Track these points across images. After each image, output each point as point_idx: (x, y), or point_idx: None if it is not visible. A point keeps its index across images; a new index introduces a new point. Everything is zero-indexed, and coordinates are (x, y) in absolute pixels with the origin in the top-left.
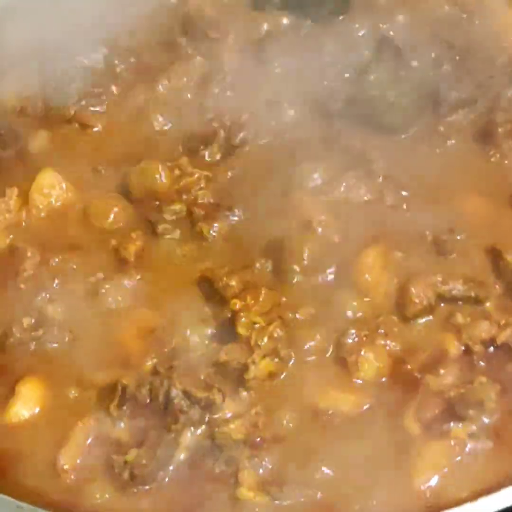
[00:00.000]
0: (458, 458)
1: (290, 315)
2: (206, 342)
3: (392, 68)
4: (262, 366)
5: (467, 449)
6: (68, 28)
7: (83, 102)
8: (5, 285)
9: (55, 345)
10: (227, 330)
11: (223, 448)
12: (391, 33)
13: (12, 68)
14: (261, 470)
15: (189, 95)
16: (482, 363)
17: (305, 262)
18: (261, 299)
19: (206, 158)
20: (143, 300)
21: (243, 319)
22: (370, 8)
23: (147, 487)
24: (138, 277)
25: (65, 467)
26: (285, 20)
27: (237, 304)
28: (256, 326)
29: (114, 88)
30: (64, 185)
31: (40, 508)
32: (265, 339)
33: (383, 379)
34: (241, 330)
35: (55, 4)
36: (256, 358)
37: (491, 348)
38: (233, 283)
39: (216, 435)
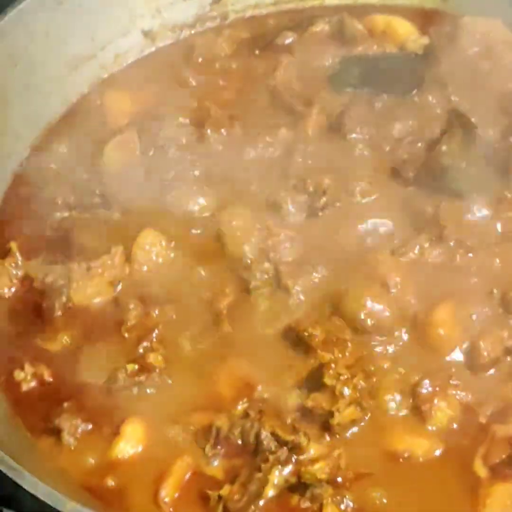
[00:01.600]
0: None
1: (372, 368)
2: (293, 389)
3: (463, 139)
4: (346, 413)
5: None
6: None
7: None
8: (111, 335)
9: (156, 389)
10: (313, 379)
11: (308, 486)
12: (462, 107)
13: (114, 136)
14: (343, 506)
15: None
16: None
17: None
18: (347, 353)
19: (290, 219)
20: (235, 349)
21: (331, 371)
22: (443, 84)
23: None
24: (230, 328)
25: (166, 500)
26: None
27: (326, 357)
28: (342, 377)
29: None
30: (164, 243)
31: None
32: (350, 390)
33: (454, 426)
34: (328, 381)
35: None
36: (341, 406)
37: None
38: (317, 332)
39: (302, 474)
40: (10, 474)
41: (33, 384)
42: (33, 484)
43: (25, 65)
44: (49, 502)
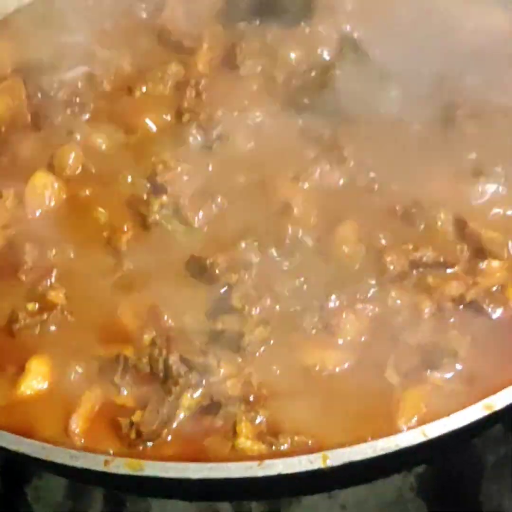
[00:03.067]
0: (435, 401)
1: (278, 288)
2: (200, 315)
3: (355, 63)
4: (256, 333)
5: (443, 393)
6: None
7: (68, 111)
8: (8, 278)
9: (59, 327)
10: (220, 304)
11: (221, 406)
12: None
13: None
14: (256, 422)
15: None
16: (453, 320)
17: (287, 241)
18: (254, 272)
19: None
20: (137, 283)
21: (238, 293)
22: (334, 12)
23: (151, 443)
24: (130, 264)
25: (77, 431)
26: (253, 27)
27: (232, 277)
28: (250, 297)
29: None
30: (56, 185)
31: None
32: (258, 310)
33: (364, 338)
34: (236, 303)
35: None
36: (251, 326)
37: (461, 306)
38: (219, 260)
39: (214, 394)
40: None
41: None
42: None
43: None
44: None
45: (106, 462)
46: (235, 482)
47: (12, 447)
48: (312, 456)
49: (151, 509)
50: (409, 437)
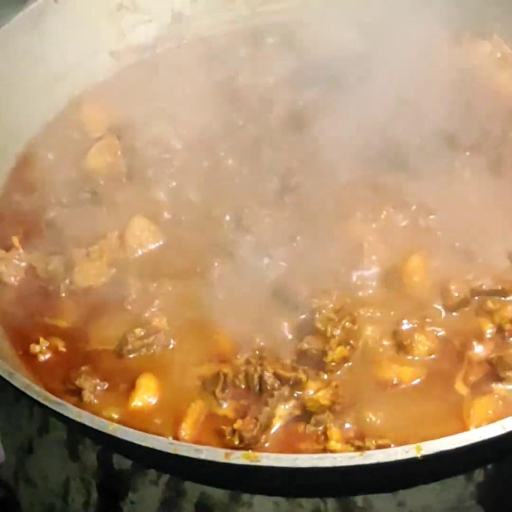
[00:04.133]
0: (501, 408)
1: (356, 313)
2: (287, 336)
3: (413, 120)
4: (337, 351)
5: (508, 401)
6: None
7: (158, 166)
8: (115, 309)
9: (163, 349)
10: (305, 326)
11: (312, 414)
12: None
13: (95, 142)
14: (345, 428)
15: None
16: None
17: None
18: (334, 299)
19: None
20: (229, 311)
21: (320, 316)
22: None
23: (252, 447)
24: (222, 294)
25: (186, 438)
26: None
27: (315, 303)
28: (331, 321)
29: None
30: (152, 228)
31: None
32: (339, 331)
33: (434, 356)
34: (319, 324)
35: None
36: (332, 346)
37: None
38: (302, 289)
39: (307, 402)
40: (52, 406)
41: (48, 355)
42: (77, 413)
43: (6, 85)
44: (94, 426)
45: (226, 455)
46: (339, 471)
47: (142, 443)
48: (407, 447)
49: None
50: (490, 429)
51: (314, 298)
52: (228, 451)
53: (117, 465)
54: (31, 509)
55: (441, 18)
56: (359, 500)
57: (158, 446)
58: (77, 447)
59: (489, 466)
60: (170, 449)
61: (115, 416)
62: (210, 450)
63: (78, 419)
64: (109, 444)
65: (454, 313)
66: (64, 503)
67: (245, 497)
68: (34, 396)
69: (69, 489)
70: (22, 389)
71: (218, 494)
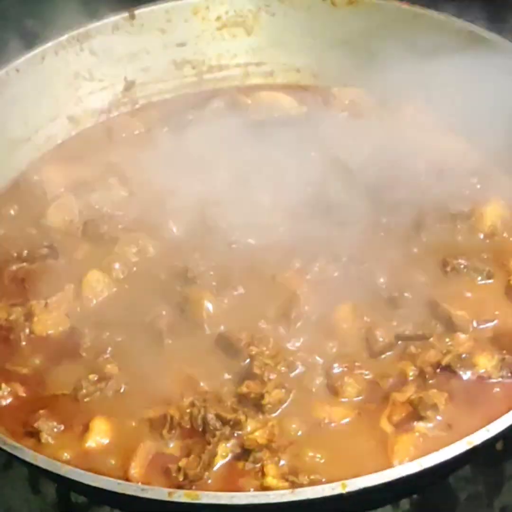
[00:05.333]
0: (422, 444)
1: (290, 358)
2: (229, 381)
3: (344, 181)
4: (274, 394)
5: (427, 438)
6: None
7: (112, 223)
8: (71, 356)
9: (114, 393)
10: (244, 371)
11: (250, 452)
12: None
13: (54, 201)
14: (280, 465)
15: None
16: (431, 381)
17: (296, 321)
18: (270, 346)
19: None
20: (176, 356)
21: (258, 362)
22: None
23: (195, 484)
24: (170, 341)
25: (135, 475)
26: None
27: (253, 350)
28: (267, 366)
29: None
30: (106, 280)
31: None
32: (275, 375)
33: (362, 397)
34: (256, 370)
35: None
36: (269, 389)
37: (438, 370)
38: (242, 336)
39: (245, 442)
40: (13, 452)
41: (9, 399)
42: (33, 456)
43: None
44: (49, 468)
45: (170, 494)
46: (272, 507)
47: (93, 483)
48: (333, 484)
49: None
50: (408, 467)
51: (252, 345)
52: (171, 490)
53: (75, 499)
54: None
55: (368, 85)
56: None
57: (107, 486)
58: (38, 482)
59: (414, 496)
60: (118, 489)
61: (69, 456)
62: (154, 490)
63: (34, 462)
64: (64, 483)
65: (380, 357)
66: None
67: None
68: None
69: None
70: None
71: None
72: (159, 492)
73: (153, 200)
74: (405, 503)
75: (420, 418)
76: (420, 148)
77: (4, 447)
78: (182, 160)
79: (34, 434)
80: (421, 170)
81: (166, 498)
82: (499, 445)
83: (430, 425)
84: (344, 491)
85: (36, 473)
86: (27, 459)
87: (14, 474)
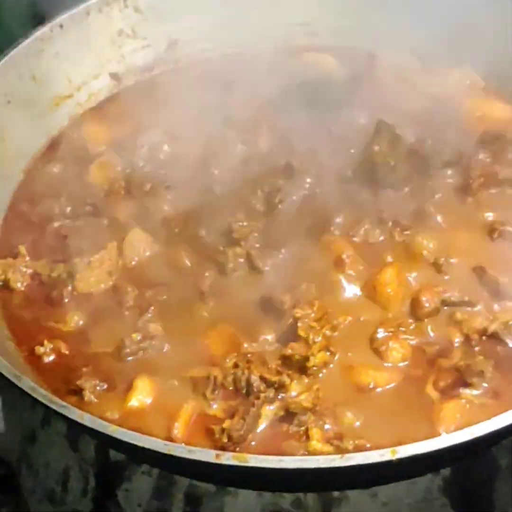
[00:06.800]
0: (468, 412)
1: (335, 321)
2: (273, 343)
3: (389, 142)
4: (318, 357)
5: (474, 406)
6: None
7: (154, 181)
8: (114, 315)
9: (158, 353)
10: (288, 334)
11: (295, 416)
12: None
13: (96, 158)
14: (325, 429)
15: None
16: (478, 348)
17: (343, 283)
18: (315, 308)
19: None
20: (219, 318)
21: (303, 324)
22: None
23: (239, 446)
24: (213, 303)
25: (178, 436)
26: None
27: (298, 312)
28: (312, 329)
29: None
30: (149, 239)
31: None
32: (320, 338)
33: (407, 363)
34: (301, 332)
35: None
36: (314, 352)
37: (484, 337)
38: (287, 298)
39: (290, 405)
40: (60, 410)
41: (52, 357)
42: (79, 415)
43: (15, 104)
44: (95, 427)
45: (217, 456)
46: (321, 472)
47: (139, 443)
48: (382, 451)
49: (224, 506)
50: (459, 435)
51: (297, 308)
52: (219, 452)
53: (113, 457)
54: (32, 494)
55: (414, 47)
56: (336, 491)
57: (154, 447)
58: (77, 439)
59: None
60: (165, 450)
61: (111, 414)
62: (202, 451)
63: (80, 421)
64: (108, 442)
65: (425, 322)
66: (64, 490)
67: (231, 488)
68: (40, 399)
69: (68, 477)
70: (29, 391)
71: (206, 484)
72: (206, 454)
73: (197, 159)
74: (445, 470)
75: (467, 385)
76: (466, 111)
77: (51, 405)
78: (225, 120)
79: (77, 392)
80: (468, 134)
81: (213, 460)
82: None
83: (476, 392)
84: (393, 458)
85: (76, 431)
86: (74, 417)
87: (52, 431)
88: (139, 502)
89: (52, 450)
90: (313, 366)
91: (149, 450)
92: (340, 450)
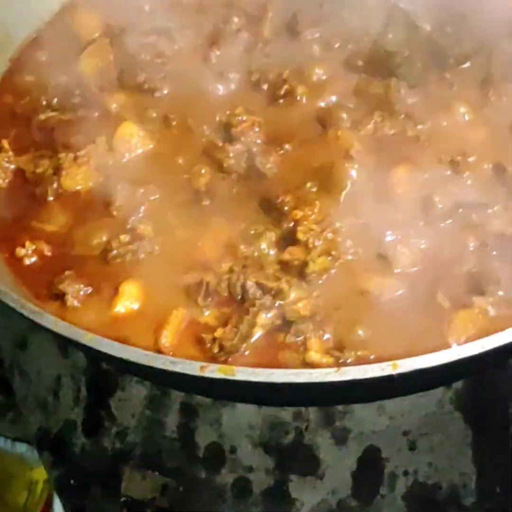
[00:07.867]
0: (482, 322)
1: (338, 224)
2: (271, 246)
3: (404, 30)
4: (319, 262)
5: (488, 316)
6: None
7: (150, 70)
8: (102, 214)
9: (147, 256)
10: (287, 237)
11: (292, 324)
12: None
13: (88, 46)
14: (324, 339)
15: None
16: (495, 253)
17: (348, 183)
18: (316, 210)
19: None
20: (215, 218)
21: (302, 227)
22: None
23: (231, 356)
24: (209, 202)
25: (166, 345)
26: None
27: (298, 214)
28: (313, 231)
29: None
30: (141, 134)
31: None
32: (320, 242)
33: (417, 268)
34: (301, 235)
35: None
36: (314, 256)
37: (502, 241)
38: (288, 198)
39: (287, 313)
40: (31, 316)
41: (34, 259)
42: (53, 322)
43: None
44: (70, 336)
45: (202, 368)
46: (314, 386)
47: (117, 354)
48: (383, 364)
49: (222, 417)
50: (468, 348)
51: (297, 209)
52: (204, 364)
53: (105, 365)
54: (25, 401)
55: None
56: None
57: (133, 358)
58: (67, 345)
59: None
60: (145, 361)
61: (95, 319)
62: (185, 363)
63: (54, 329)
64: (89, 351)
65: (438, 225)
66: (56, 398)
67: None
68: (11, 303)
69: (60, 385)
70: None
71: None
72: (190, 366)
73: (197, 50)
74: (458, 383)
75: (481, 293)
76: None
77: (22, 311)
78: (227, 5)
79: (59, 296)
80: (490, 23)
81: (197, 372)
82: None
83: (491, 300)
84: (394, 372)
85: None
86: (47, 325)
87: (42, 336)
88: (132, 413)
89: (43, 357)
90: (313, 272)
91: (128, 361)
92: (341, 363)
